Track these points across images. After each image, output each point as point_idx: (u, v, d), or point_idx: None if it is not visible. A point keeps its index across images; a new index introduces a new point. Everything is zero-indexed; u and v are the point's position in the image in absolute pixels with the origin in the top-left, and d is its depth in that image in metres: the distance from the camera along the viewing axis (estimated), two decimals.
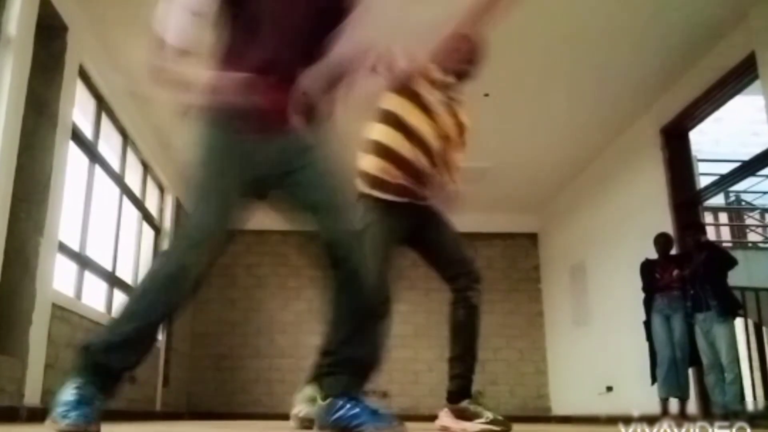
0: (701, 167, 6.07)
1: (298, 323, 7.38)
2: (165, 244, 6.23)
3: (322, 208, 1.45)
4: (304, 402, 2.20)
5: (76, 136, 3.95)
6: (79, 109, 3.97)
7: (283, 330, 7.36)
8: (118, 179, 4.95)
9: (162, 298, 1.40)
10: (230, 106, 1.41)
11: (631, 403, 3.96)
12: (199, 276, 1.43)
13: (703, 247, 4.20)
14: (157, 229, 6.14)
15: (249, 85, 1.40)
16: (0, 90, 2.91)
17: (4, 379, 2.97)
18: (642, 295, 4.49)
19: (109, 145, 4.80)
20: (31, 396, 3.19)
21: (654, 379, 4.29)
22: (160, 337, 5.82)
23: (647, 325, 4.43)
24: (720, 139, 8.13)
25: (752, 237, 8.01)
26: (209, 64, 1.51)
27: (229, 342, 7.27)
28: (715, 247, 4.44)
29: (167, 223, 6.28)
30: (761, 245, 7.96)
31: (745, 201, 8.06)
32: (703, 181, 5.22)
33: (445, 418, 2.38)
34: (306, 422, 2.13)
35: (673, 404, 4.26)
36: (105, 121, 4.61)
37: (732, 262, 4.10)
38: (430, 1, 3.78)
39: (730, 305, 4.02)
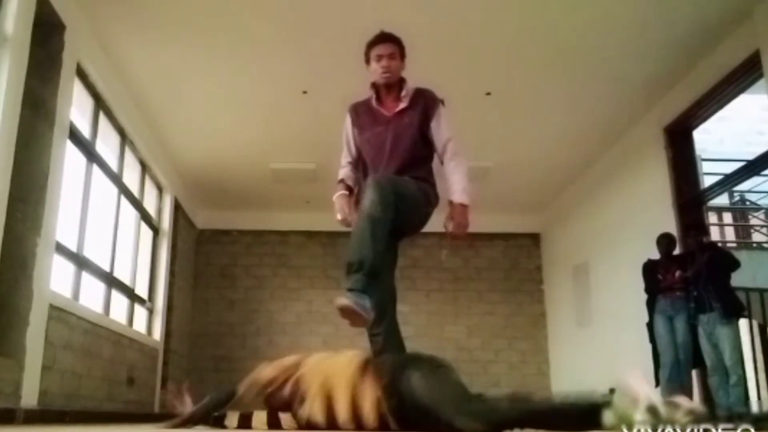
0: (705, 167, 6.05)
1: (298, 324, 7.36)
2: (163, 245, 6.20)
3: None
4: None
5: (74, 136, 3.94)
6: (76, 108, 3.96)
7: (283, 331, 7.33)
8: (116, 179, 4.94)
9: None
10: None
11: None
12: None
13: (705, 249, 4.18)
14: (156, 230, 6.12)
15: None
16: None
17: (1, 380, 2.96)
18: (645, 296, 4.46)
19: (106, 144, 4.79)
20: (28, 398, 3.17)
21: (657, 381, 4.25)
22: None
23: (650, 326, 4.40)
24: (724, 138, 8.08)
25: (757, 237, 7.98)
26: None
27: (228, 343, 7.24)
28: (717, 249, 4.41)
29: (165, 223, 6.25)
30: (766, 245, 7.91)
31: (749, 201, 8.03)
32: (707, 181, 5.26)
33: None
34: None
35: None
36: (103, 120, 4.60)
37: (735, 264, 4.07)
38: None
39: (733, 307, 3.99)
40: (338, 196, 2.57)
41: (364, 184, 2.34)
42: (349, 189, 2.63)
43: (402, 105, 2.53)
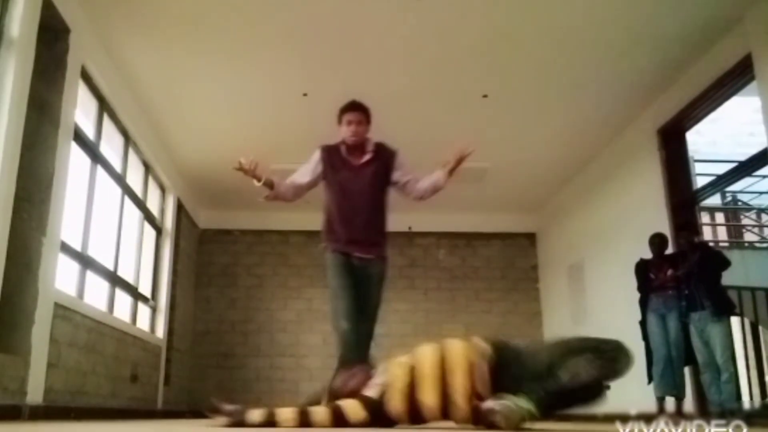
0: (698, 168, 6.07)
1: (298, 322, 7.41)
2: (166, 244, 6.25)
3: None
4: None
5: (78, 137, 3.95)
6: (81, 110, 3.97)
7: (284, 329, 7.39)
8: (120, 179, 4.95)
9: None
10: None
11: (629, 401, 3.97)
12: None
13: (696, 248, 4.21)
14: (159, 229, 6.14)
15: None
16: (2, 91, 2.91)
17: (7, 377, 2.97)
18: (638, 295, 4.49)
19: (110, 145, 4.80)
20: (34, 395, 3.20)
21: (650, 378, 4.29)
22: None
23: (643, 324, 4.43)
24: (717, 140, 8.12)
25: (749, 237, 7.99)
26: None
27: (230, 341, 7.30)
28: (708, 248, 4.44)
29: (168, 223, 6.27)
30: (758, 245, 7.95)
31: (741, 201, 8.04)
32: (700, 182, 5.22)
33: None
34: None
35: (670, 403, 4.26)
36: (107, 121, 4.62)
37: (725, 263, 4.09)
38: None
39: (723, 305, 4.02)
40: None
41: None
42: (273, 184, 3.00)
43: (367, 157, 3.03)
